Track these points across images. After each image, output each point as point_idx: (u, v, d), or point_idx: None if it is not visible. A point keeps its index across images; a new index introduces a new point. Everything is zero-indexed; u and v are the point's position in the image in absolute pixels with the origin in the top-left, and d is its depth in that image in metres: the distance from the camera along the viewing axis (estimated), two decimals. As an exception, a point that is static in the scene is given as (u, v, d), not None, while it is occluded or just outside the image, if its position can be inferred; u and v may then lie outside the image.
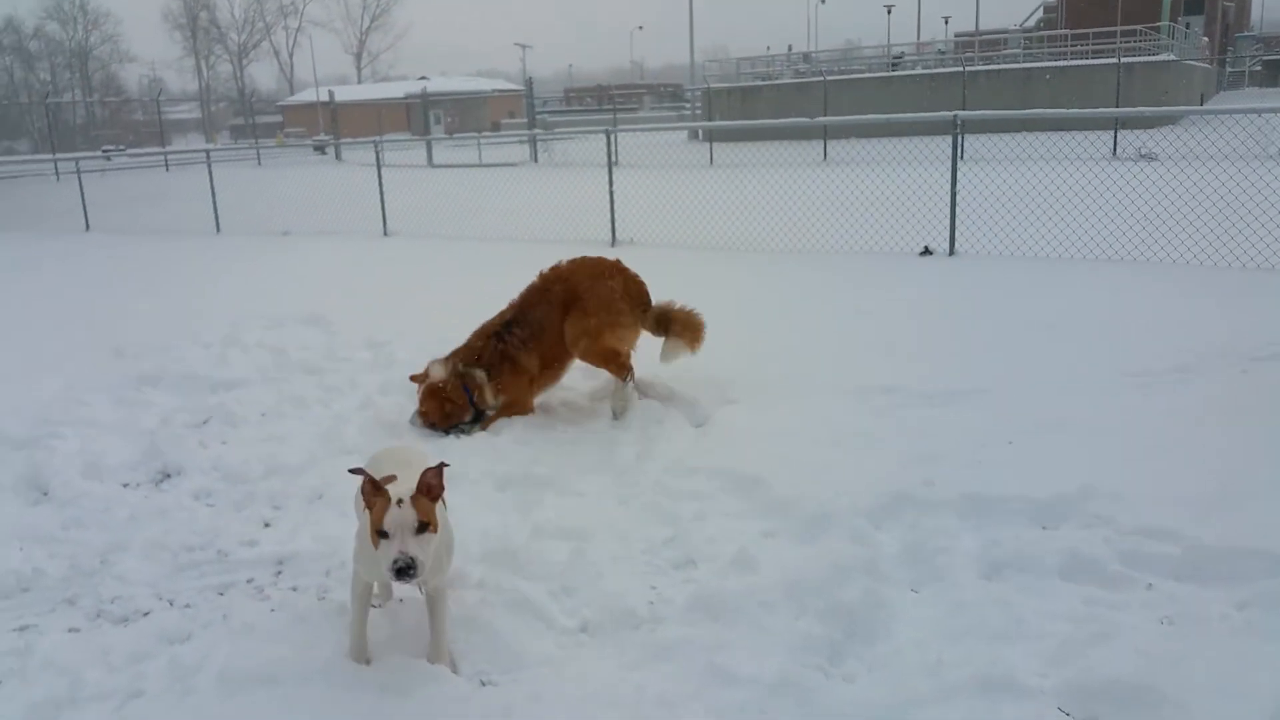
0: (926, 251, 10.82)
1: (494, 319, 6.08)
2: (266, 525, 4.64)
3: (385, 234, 14.72)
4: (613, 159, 13.08)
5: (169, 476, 5.30)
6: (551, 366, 5.95)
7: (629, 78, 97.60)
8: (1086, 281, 9.04)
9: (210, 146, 41.73)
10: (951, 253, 10.73)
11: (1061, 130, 22.33)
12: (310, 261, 12.64)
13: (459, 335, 7.61)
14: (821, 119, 20.42)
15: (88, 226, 17.79)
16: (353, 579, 3.40)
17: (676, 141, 32.52)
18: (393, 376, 6.63)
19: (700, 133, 33.22)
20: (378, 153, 15.45)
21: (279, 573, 4.10)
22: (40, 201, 22.38)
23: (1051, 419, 5.41)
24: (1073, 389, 5.91)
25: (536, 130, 28.83)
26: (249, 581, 4.05)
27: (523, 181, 16.40)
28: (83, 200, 17.96)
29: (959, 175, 11.00)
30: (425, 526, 3.05)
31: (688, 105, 46.94)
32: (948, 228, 10.84)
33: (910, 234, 11.13)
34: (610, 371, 5.93)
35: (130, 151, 46.97)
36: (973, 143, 21.76)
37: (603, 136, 13.49)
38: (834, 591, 3.65)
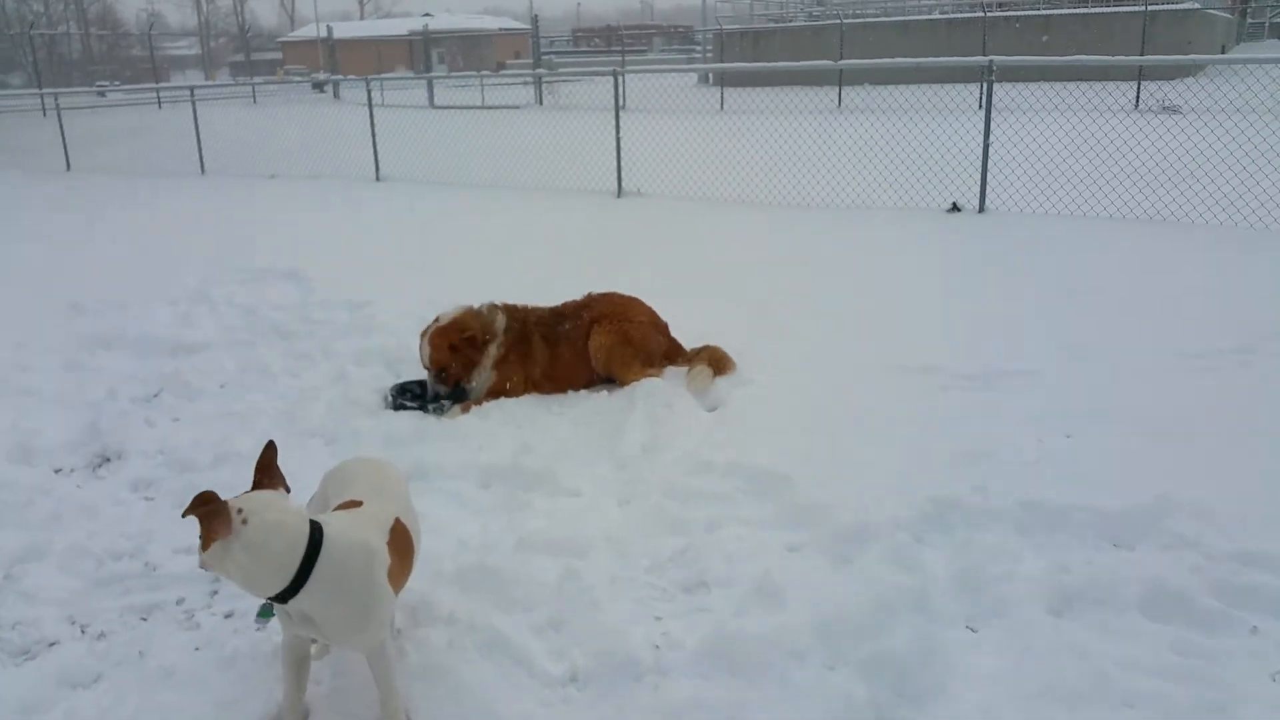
0: (955, 208, 10.07)
1: (531, 306, 5.50)
2: (211, 525, 4.00)
3: (378, 179, 13.95)
4: (620, 103, 12.26)
5: (108, 460, 4.67)
6: (551, 378, 5.29)
7: (639, 18, 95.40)
8: (1126, 243, 8.32)
9: (201, 84, 40.64)
10: (981, 209, 9.98)
11: (1081, 80, 21.32)
12: (294, 208, 11.90)
13: (445, 297, 6.94)
14: (840, 63, 19.45)
15: (68, 166, 17.00)
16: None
17: (686, 85, 31.42)
18: (371, 344, 5.97)
19: (710, 76, 32.09)
20: (369, 92, 14.60)
21: (214, 592, 3.47)
22: (24, 138, 21.49)
23: (1111, 406, 4.76)
24: (1129, 370, 5.24)
25: (541, 71, 27.71)
26: (178, 603, 3.42)
27: (525, 125, 15.59)
28: (63, 138, 17.14)
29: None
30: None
31: (698, 48, 45.61)
32: (978, 182, 10.07)
33: (935, 188, 10.37)
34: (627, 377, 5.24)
35: (124, 88, 45.85)
36: (994, 91, 20.83)
37: (610, 79, 12.64)
38: (877, 634, 3.02)
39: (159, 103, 32.27)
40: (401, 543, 2.82)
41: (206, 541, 2.44)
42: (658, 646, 3.04)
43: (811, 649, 2.96)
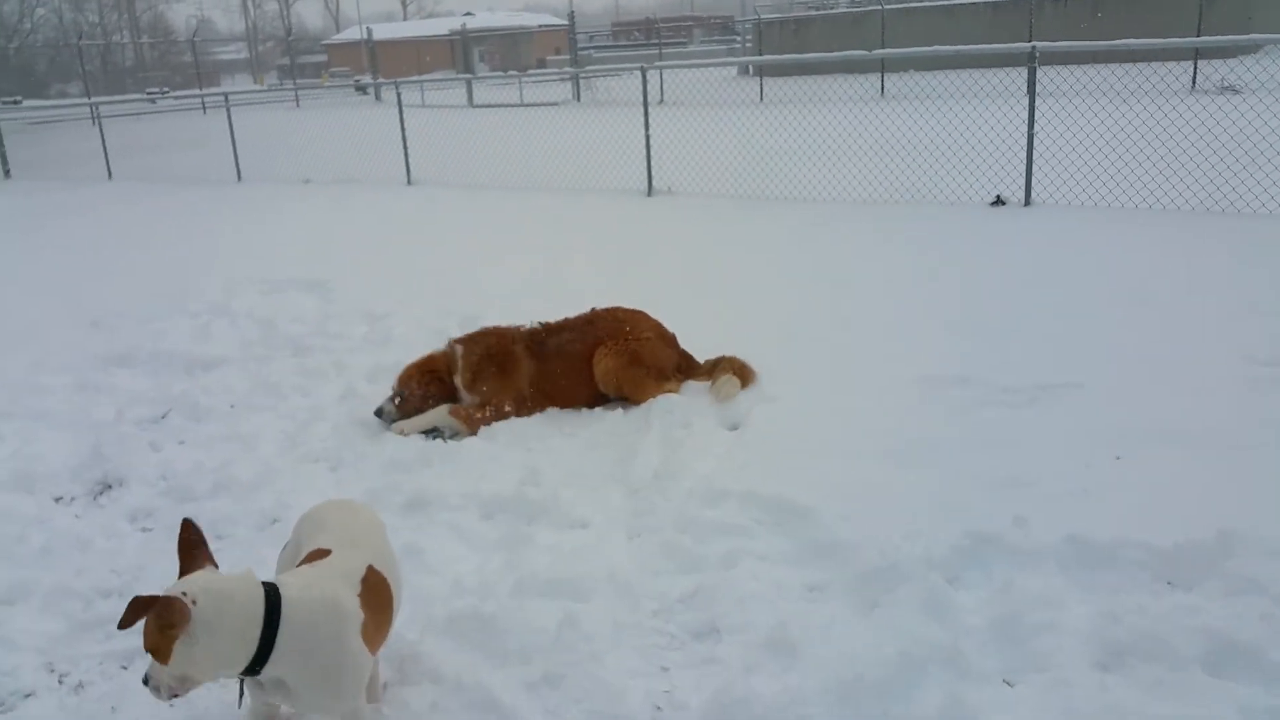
0: (999, 201, 9.66)
1: (516, 326, 5.28)
2: (204, 561, 3.82)
3: (409, 183, 13.82)
4: (652, 98, 11.99)
5: (109, 488, 4.52)
6: (546, 394, 5.04)
7: (679, 10, 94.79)
8: (1185, 238, 7.87)
9: (238, 89, 40.97)
10: (1027, 203, 9.56)
11: (1134, 62, 20.56)
12: (324, 215, 11.80)
13: (464, 308, 6.77)
14: (880, 51, 18.98)
15: (110, 174, 17.13)
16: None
17: (726, 77, 31.02)
18: (384, 359, 5.77)
19: (750, 67, 31.67)
20: (398, 94, 14.47)
21: (195, 641, 3.28)
22: (71, 147, 21.76)
23: (1167, 426, 4.39)
24: (1189, 384, 4.86)
25: (571, 69, 27.53)
26: (157, 652, 3.23)
27: (562, 122, 15.35)
28: (104, 148, 17.27)
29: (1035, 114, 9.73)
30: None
31: (738, 38, 45.13)
32: (1023, 174, 9.64)
33: (979, 180, 9.95)
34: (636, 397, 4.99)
35: (172, 95, 46.50)
36: (1040, 77, 20.19)
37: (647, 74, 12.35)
38: (904, 695, 2.73)
39: (204, 108, 32.59)
40: (377, 595, 2.60)
41: (166, 645, 2.26)
42: (659, 708, 2.78)
43: (828, 713, 2.69)
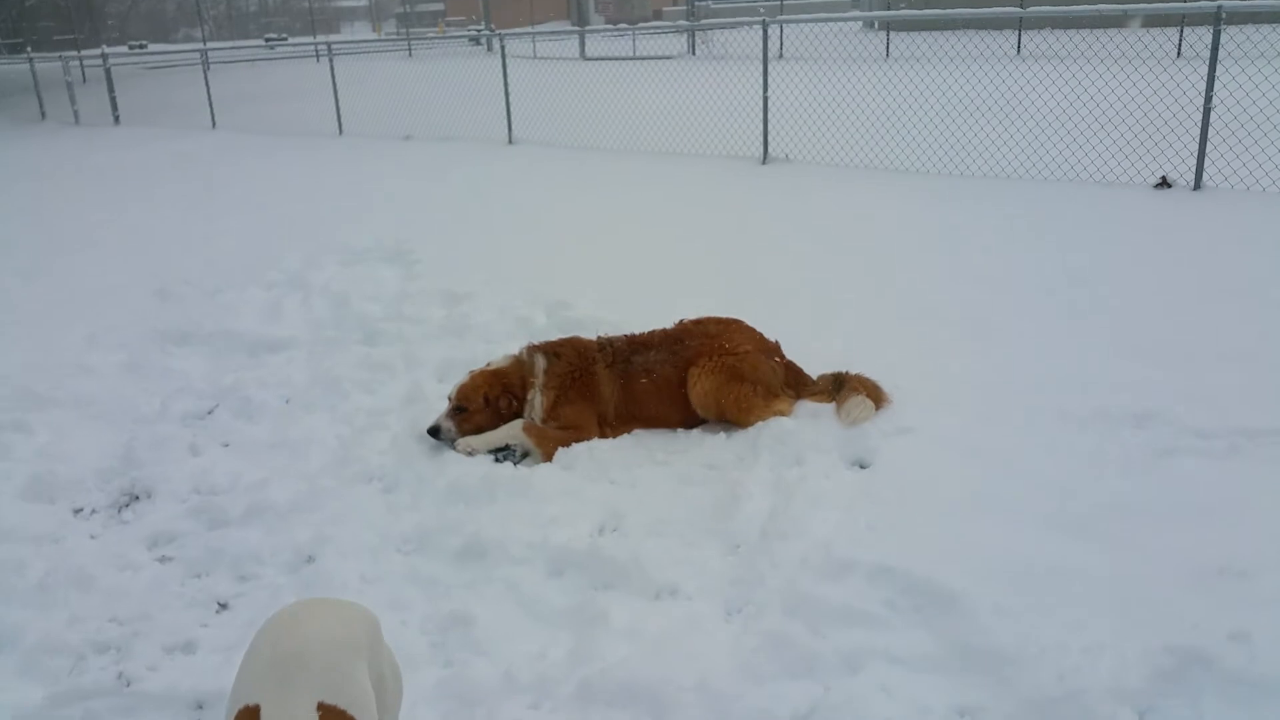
0: (1164, 183, 8.45)
1: (602, 337, 4.56)
2: (221, 609, 3.24)
3: (510, 141, 13.16)
4: (772, 52, 11.00)
5: (135, 500, 3.99)
6: (633, 416, 4.32)
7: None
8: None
9: (348, 39, 41.03)
10: (1197, 186, 8.33)
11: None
12: (419, 175, 11.23)
13: (553, 291, 6.08)
14: (1025, 9, 17.41)
15: (214, 124, 16.97)
16: None
17: (850, 30, 29.42)
18: (458, 354, 5.13)
19: (876, 22, 30.04)
20: (501, 46, 13.75)
21: (191, 729, 2.68)
22: (185, 95, 21.80)
23: None
24: None
25: (690, 21, 26.45)
26: (136, 746, 2.65)
27: (675, 78, 14.45)
28: (209, 96, 17.11)
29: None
30: None
31: (863, -9, 43.12)
32: (1194, 152, 8.41)
33: (1136, 157, 8.75)
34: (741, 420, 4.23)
35: (292, 41, 46.88)
36: (1191, 37, 18.33)
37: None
38: None
39: (317, 56, 32.60)
40: None
41: None
42: None
43: None
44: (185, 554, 3.55)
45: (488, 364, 4.42)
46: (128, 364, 5.38)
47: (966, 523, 3.35)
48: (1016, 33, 22.91)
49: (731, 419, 4.20)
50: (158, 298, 6.58)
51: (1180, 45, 20.45)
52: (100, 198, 10.94)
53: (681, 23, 25.94)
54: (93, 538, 3.72)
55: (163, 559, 3.55)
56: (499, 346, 5.08)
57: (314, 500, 3.79)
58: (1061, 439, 3.95)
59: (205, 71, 17.46)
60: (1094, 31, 19.25)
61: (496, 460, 4.09)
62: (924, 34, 23.76)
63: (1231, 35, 8.82)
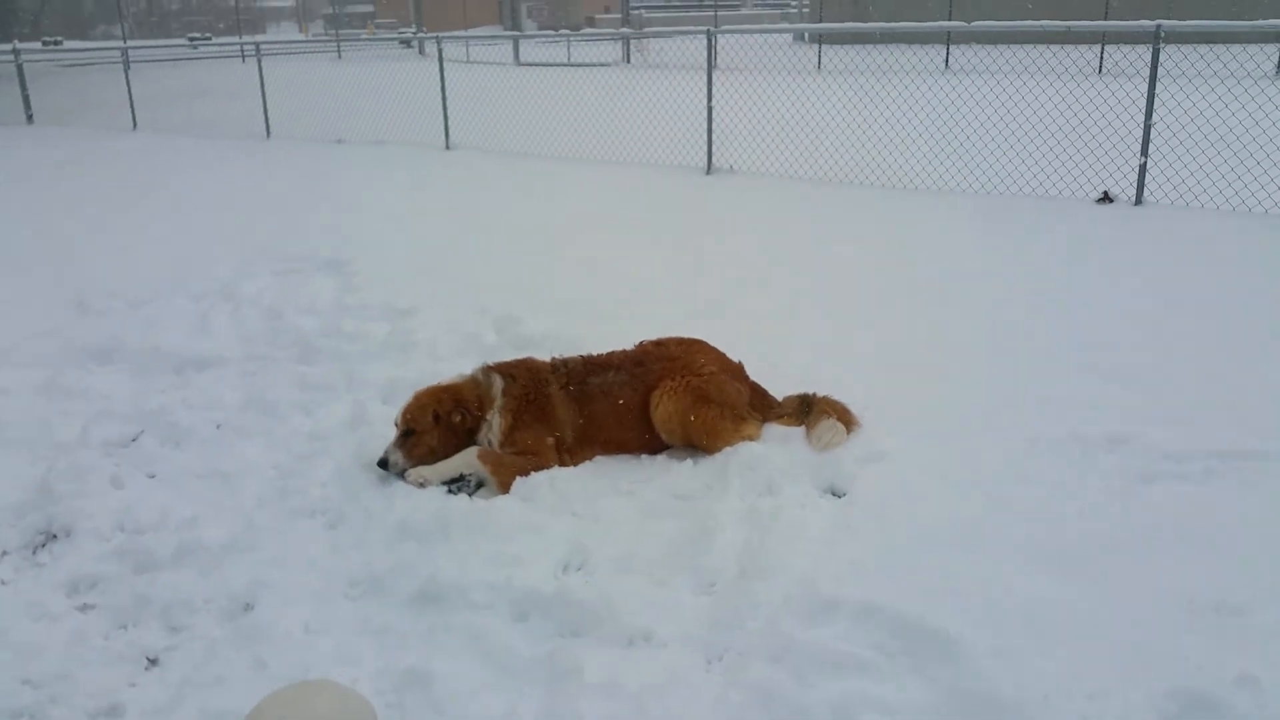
0: (1105, 198, 8.54)
1: (556, 359, 4.29)
2: (151, 664, 2.94)
3: (447, 147, 12.84)
4: (714, 64, 10.89)
5: (53, 539, 3.64)
6: (592, 440, 4.08)
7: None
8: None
9: (275, 39, 40.13)
10: (1138, 201, 8.42)
11: (1217, 43, 18.97)
12: (353, 180, 10.86)
13: (502, 305, 5.85)
14: (950, 24, 17.62)
15: (135, 124, 16.30)
16: None
17: (781, 43, 29.57)
18: (404, 373, 4.85)
19: (807, 34, 30.24)
20: (439, 49, 13.42)
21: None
22: (102, 93, 20.92)
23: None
24: None
25: (628, 29, 26.32)
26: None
27: (611, 85, 14.27)
28: (129, 97, 16.42)
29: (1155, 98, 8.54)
30: None
31: (794, 2, 43.54)
32: (1135, 167, 8.50)
33: (1079, 171, 8.82)
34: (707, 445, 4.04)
35: (216, 41, 45.62)
36: (1114, 54, 18.71)
37: (702, 37, 11.25)
38: None
39: (243, 57, 31.71)
40: None
41: None
42: None
43: None
44: (109, 601, 3.22)
45: (436, 383, 4.16)
46: (44, 385, 4.98)
47: (950, 557, 3.20)
48: (944, 47, 23.26)
49: (698, 444, 4.01)
50: (76, 310, 6.18)
51: (1101, 61, 20.97)
52: (11, 200, 10.35)
53: (625, 30, 25.76)
54: (3, 583, 3.37)
55: (84, 607, 3.22)
56: (448, 364, 4.82)
57: (251, 538, 3.49)
58: (1036, 465, 3.84)
59: (126, 70, 16.74)
60: (1021, 47, 19.56)
61: (450, 491, 3.83)
62: (854, 47, 23.89)
63: (1170, 54, 8.93)
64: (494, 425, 3.96)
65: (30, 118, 17.49)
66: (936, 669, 2.72)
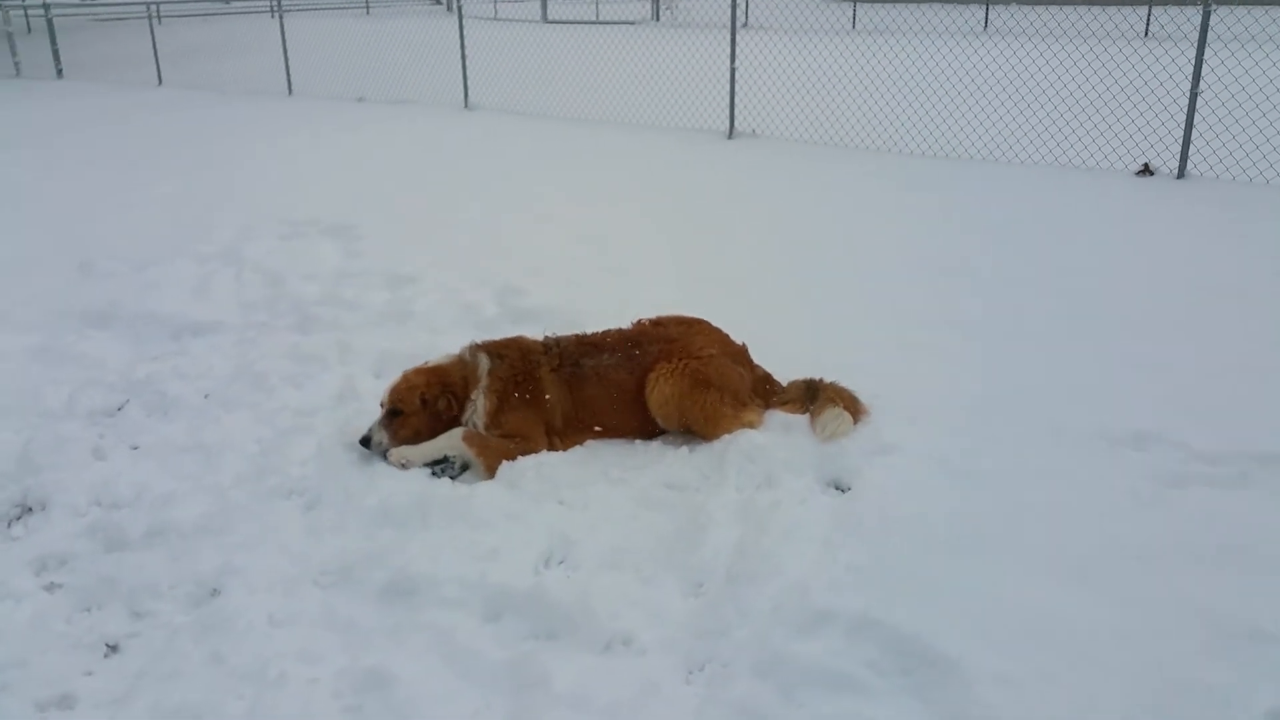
0: (1146, 170, 8.18)
1: (549, 338, 4.07)
2: (110, 651, 2.81)
3: (466, 106, 12.61)
4: (739, 23, 10.55)
5: (29, 512, 3.53)
6: (584, 424, 3.90)
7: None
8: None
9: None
10: (1181, 174, 8.06)
11: (1274, 4, 18.15)
12: (368, 140, 10.69)
13: (504, 275, 5.67)
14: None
15: (160, 80, 16.19)
16: None
17: (815, 0, 29.00)
18: (399, 345, 4.70)
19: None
20: (459, 6, 13.15)
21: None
22: (130, 49, 20.86)
23: None
24: None
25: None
26: None
27: (638, 44, 13.95)
28: (154, 53, 16.28)
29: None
30: None
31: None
32: (1179, 138, 8.13)
33: (1119, 141, 8.47)
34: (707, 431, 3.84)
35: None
36: (1160, 16, 17.99)
37: (730, -3, 10.88)
38: None
39: (272, 11, 31.48)
40: None
41: None
42: None
43: None
44: (76, 581, 3.10)
45: (425, 362, 3.99)
46: (38, 348, 4.88)
47: (957, 563, 3.00)
48: (984, 7, 22.60)
49: (695, 430, 3.82)
50: (79, 272, 6.07)
51: (1149, 24, 20.25)
52: (31, 157, 10.27)
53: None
54: (-32, 563, 3.26)
55: (50, 586, 3.11)
56: (443, 337, 4.67)
57: (225, 519, 3.35)
58: (1058, 463, 3.62)
59: (152, 24, 16.60)
60: (1061, 9, 18.91)
61: (434, 474, 3.67)
62: (890, 6, 23.31)
63: (1221, 18, 8.52)
64: (479, 406, 3.79)
65: (60, 72, 17.43)
66: (933, 692, 2.53)
